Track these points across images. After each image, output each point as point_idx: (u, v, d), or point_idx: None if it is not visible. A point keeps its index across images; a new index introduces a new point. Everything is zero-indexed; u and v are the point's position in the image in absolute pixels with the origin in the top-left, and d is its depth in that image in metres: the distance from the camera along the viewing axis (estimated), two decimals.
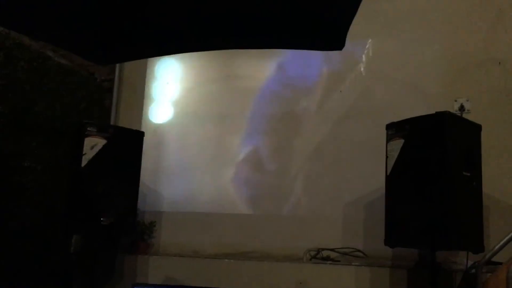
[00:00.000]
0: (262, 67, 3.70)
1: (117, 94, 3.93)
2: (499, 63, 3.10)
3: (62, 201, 3.09)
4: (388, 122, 2.70)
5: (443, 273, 2.71)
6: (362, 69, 3.44)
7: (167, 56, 3.79)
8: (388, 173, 2.64)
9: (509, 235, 2.54)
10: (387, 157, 2.65)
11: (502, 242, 2.53)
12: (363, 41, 3.43)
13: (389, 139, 2.65)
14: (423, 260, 2.87)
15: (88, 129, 3.02)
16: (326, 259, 3.12)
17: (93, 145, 3.00)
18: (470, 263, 2.62)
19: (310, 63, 3.59)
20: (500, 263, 2.54)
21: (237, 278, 3.02)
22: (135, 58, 2.99)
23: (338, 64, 3.51)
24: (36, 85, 3.18)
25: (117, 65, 3.93)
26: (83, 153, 2.98)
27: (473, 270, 2.63)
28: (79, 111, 3.54)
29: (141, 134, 3.29)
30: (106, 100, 3.91)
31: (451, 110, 2.77)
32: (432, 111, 2.48)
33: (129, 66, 3.97)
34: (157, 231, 3.61)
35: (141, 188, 3.33)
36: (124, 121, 3.83)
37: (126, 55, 2.48)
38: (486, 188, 2.56)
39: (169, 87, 3.93)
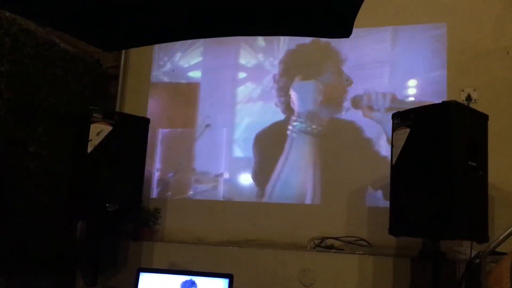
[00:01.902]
0: (273, 54, 3.69)
1: (122, 81, 3.94)
2: (507, 52, 3.07)
3: (68, 187, 3.11)
4: (394, 111, 2.69)
5: (446, 262, 2.72)
6: (367, 57, 3.42)
7: (173, 43, 3.78)
8: (393, 162, 2.63)
9: None
10: (392, 146, 2.65)
11: (506, 232, 2.52)
12: (369, 29, 3.41)
13: (394, 128, 2.65)
14: (427, 249, 2.87)
15: (94, 115, 3.02)
16: (330, 247, 3.14)
17: (98, 131, 3.01)
18: (474, 253, 2.63)
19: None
20: (505, 253, 2.54)
21: (241, 265, 3.04)
22: (141, 44, 2.99)
23: (341, 51, 3.48)
24: (42, 71, 3.18)
25: (123, 52, 3.92)
26: (89, 139, 2.99)
27: (477, 260, 2.63)
28: (84, 97, 3.54)
29: (147, 120, 3.30)
30: (111, 87, 3.91)
31: (458, 100, 2.76)
32: (439, 101, 2.48)
33: (135, 53, 3.96)
34: (162, 218, 3.63)
35: (146, 174, 3.35)
36: (129, 108, 3.83)
37: (132, 41, 2.48)
38: (492, 178, 2.56)
39: (175, 74, 3.92)
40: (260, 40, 3.75)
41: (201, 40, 3.83)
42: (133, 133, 3.19)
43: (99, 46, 2.61)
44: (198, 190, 3.73)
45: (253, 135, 3.64)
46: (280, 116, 3.60)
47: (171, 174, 3.44)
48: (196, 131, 3.79)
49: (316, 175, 3.40)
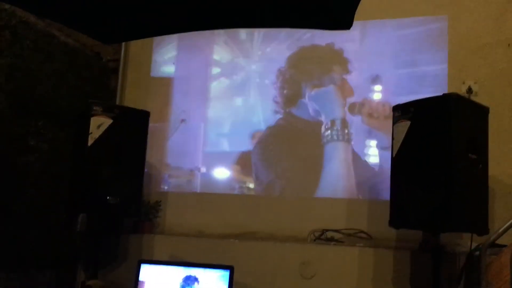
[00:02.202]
0: (270, 48, 3.68)
1: (122, 74, 3.93)
2: (508, 45, 3.06)
3: (68, 181, 3.11)
4: (394, 104, 2.69)
5: (446, 255, 2.72)
6: (368, 49, 3.41)
7: (173, 35, 3.78)
8: (393, 155, 2.63)
9: None
10: (393, 138, 2.65)
11: (506, 225, 2.53)
12: (369, 21, 3.40)
13: (395, 121, 2.65)
14: (427, 242, 2.88)
15: (94, 108, 3.02)
16: (330, 240, 3.14)
17: (99, 124, 3.01)
18: (474, 245, 2.63)
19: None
20: (505, 246, 2.54)
21: (242, 257, 3.04)
22: (141, 37, 2.97)
23: (342, 43, 3.47)
24: (41, 65, 3.17)
25: (123, 45, 3.92)
26: (90, 132, 2.99)
27: (477, 253, 2.63)
28: (84, 91, 3.53)
29: (147, 114, 3.29)
30: (111, 80, 3.90)
31: (459, 93, 2.75)
32: (440, 94, 2.47)
33: (135, 46, 3.95)
34: (162, 211, 3.64)
35: (147, 168, 3.35)
36: (129, 101, 3.83)
37: (132, 33, 2.47)
38: (492, 171, 2.56)
39: (175, 67, 3.91)
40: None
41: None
42: (134, 126, 3.19)
43: (99, 38, 2.60)
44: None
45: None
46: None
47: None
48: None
49: (317, 168, 3.40)
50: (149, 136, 3.29)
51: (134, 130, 3.19)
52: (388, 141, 2.81)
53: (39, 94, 3.15)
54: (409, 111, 2.54)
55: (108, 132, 3.02)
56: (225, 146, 3.72)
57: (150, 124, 3.31)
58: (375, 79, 3.37)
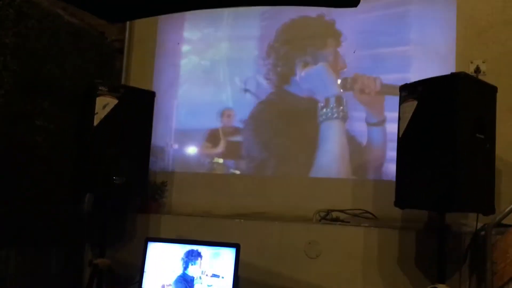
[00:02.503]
0: (273, 28, 3.65)
1: (127, 54, 3.91)
2: None
3: (75, 160, 3.13)
4: (402, 83, 2.67)
5: (452, 235, 2.73)
6: (375, 29, 3.37)
7: (178, 14, 3.75)
8: (400, 135, 2.62)
9: None
10: (399, 119, 2.63)
11: None
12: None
13: (402, 101, 2.62)
14: (432, 222, 2.88)
15: (99, 88, 3.03)
16: (336, 220, 3.15)
17: (104, 104, 3.01)
18: (479, 225, 2.63)
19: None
20: (510, 226, 2.55)
21: (247, 237, 3.06)
22: (146, 15, 2.96)
23: (348, 22, 3.44)
24: (46, 45, 3.15)
25: (128, 24, 3.89)
26: (95, 112, 2.99)
27: (483, 232, 2.64)
28: (89, 71, 3.52)
29: (152, 94, 3.29)
30: (117, 60, 3.89)
31: (467, 72, 2.72)
32: (447, 73, 2.45)
33: (140, 26, 3.93)
34: (169, 191, 3.66)
35: (153, 148, 3.36)
36: (135, 82, 3.82)
37: (137, 12, 2.46)
38: (500, 151, 2.54)
39: (180, 47, 3.89)
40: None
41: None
42: (139, 106, 3.20)
43: (104, 17, 2.59)
44: (204, 164, 3.74)
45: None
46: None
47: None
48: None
49: (323, 148, 3.39)
50: None
51: (139, 110, 3.19)
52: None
53: (45, 74, 3.15)
54: (416, 91, 2.52)
55: (113, 112, 3.03)
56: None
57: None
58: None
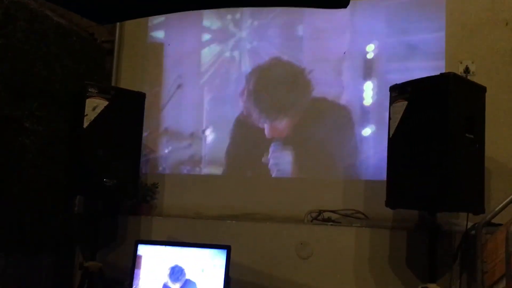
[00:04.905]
0: (266, 26, 3.65)
1: (117, 55, 3.89)
2: (506, 23, 3.04)
3: (65, 162, 3.10)
4: (391, 84, 2.68)
5: (443, 234, 2.74)
6: (365, 30, 3.38)
7: (168, 15, 3.74)
8: (390, 135, 2.63)
9: (510, 197, 2.55)
10: (390, 119, 2.64)
11: (502, 204, 2.55)
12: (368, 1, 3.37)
13: (392, 101, 2.64)
14: (423, 221, 2.90)
15: (89, 90, 3.01)
16: (327, 220, 3.16)
17: (94, 106, 2.99)
18: (470, 224, 2.65)
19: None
20: (500, 225, 2.56)
21: (239, 238, 3.06)
22: (136, 16, 2.94)
23: (340, 23, 3.44)
24: (35, 46, 3.13)
25: (118, 26, 3.87)
26: (85, 114, 2.97)
27: (473, 232, 2.66)
28: (79, 73, 3.50)
29: (143, 95, 3.27)
30: (106, 62, 3.87)
31: (456, 72, 2.73)
32: (437, 73, 2.46)
33: (130, 27, 3.91)
34: (160, 193, 3.65)
35: (143, 150, 3.34)
36: (125, 83, 3.81)
37: (127, 13, 2.44)
38: (489, 151, 2.56)
39: (171, 48, 3.88)
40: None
41: None
42: (130, 108, 3.18)
43: (93, 18, 2.57)
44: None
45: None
46: None
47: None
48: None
49: (313, 149, 3.40)
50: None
51: (130, 111, 3.17)
52: None
53: (34, 75, 3.12)
54: (406, 91, 2.53)
55: (104, 113, 3.01)
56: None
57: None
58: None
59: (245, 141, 3.61)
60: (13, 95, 2.96)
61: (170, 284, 2.70)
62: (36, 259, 3.20)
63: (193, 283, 2.67)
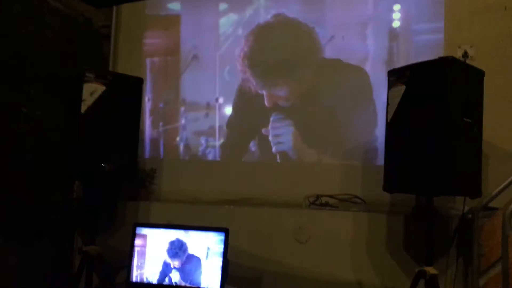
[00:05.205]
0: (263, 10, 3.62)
1: (114, 40, 3.87)
2: (505, 8, 3.02)
3: (63, 148, 3.10)
4: (390, 69, 2.67)
5: (440, 218, 2.75)
6: (363, 15, 3.36)
7: None
8: (388, 120, 2.63)
9: (507, 181, 2.57)
10: (388, 104, 2.64)
11: (499, 188, 2.57)
12: None
13: (390, 85, 2.63)
14: (420, 206, 2.91)
15: (86, 75, 2.98)
16: (325, 205, 3.17)
17: (92, 91, 2.98)
18: (467, 208, 2.66)
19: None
20: (497, 209, 2.58)
21: (237, 223, 3.06)
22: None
23: (338, 9, 3.42)
24: (32, 31, 3.11)
25: (114, 10, 3.84)
26: (82, 99, 2.96)
27: (470, 216, 2.67)
28: (76, 57, 3.49)
29: (140, 80, 3.26)
30: (104, 47, 3.85)
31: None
32: (435, 58, 2.45)
33: (127, 11, 3.88)
34: (158, 178, 3.65)
35: (141, 135, 3.34)
36: (122, 68, 3.79)
37: None
38: (486, 135, 2.56)
39: (168, 33, 3.86)
40: None
41: None
42: (127, 93, 3.16)
43: (90, 1, 2.55)
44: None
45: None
46: None
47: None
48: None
49: (311, 134, 3.40)
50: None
51: (128, 96, 3.16)
52: None
53: (31, 61, 3.11)
54: (405, 76, 2.52)
55: (101, 99, 2.99)
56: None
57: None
58: None
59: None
60: (10, 80, 2.95)
61: (169, 260, 2.71)
62: (35, 244, 3.22)
63: (197, 258, 2.68)
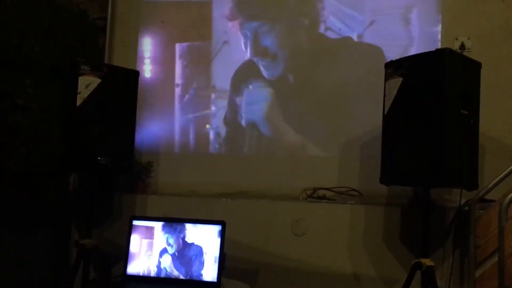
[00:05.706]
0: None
1: (110, 32, 3.83)
2: (502, 0, 3.02)
3: (59, 140, 3.08)
4: (387, 61, 2.66)
5: (436, 210, 2.76)
6: (360, 7, 3.35)
7: None
8: (385, 112, 2.62)
9: (503, 173, 2.58)
10: (385, 96, 2.63)
11: (496, 180, 2.57)
12: None
13: (387, 77, 2.62)
14: (417, 198, 2.92)
15: (81, 67, 2.96)
16: (322, 198, 3.17)
17: (87, 84, 2.96)
18: (463, 200, 2.67)
19: None
20: (493, 201, 2.59)
21: (234, 216, 3.06)
22: None
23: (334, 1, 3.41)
24: (27, 21, 3.08)
25: (110, 2, 3.81)
26: (78, 92, 2.94)
27: (466, 208, 2.68)
28: (72, 49, 3.46)
29: (136, 73, 3.24)
30: (99, 39, 3.82)
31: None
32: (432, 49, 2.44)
33: (122, 3, 3.85)
34: (155, 171, 3.64)
35: (138, 128, 3.32)
36: (118, 61, 3.76)
37: None
38: (483, 127, 2.56)
39: (164, 26, 3.83)
40: None
41: None
42: (123, 86, 3.14)
43: None
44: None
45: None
46: None
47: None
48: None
49: (308, 126, 3.39)
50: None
51: (123, 89, 3.14)
52: None
53: (26, 52, 3.08)
54: (402, 67, 2.52)
55: (97, 91, 2.97)
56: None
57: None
58: None
59: (239, 118, 3.59)
60: (5, 71, 2.93)
61: (165, 253, 2.72)
62: (32, 237, 3.21)
63: (195, 250, 2.68)
